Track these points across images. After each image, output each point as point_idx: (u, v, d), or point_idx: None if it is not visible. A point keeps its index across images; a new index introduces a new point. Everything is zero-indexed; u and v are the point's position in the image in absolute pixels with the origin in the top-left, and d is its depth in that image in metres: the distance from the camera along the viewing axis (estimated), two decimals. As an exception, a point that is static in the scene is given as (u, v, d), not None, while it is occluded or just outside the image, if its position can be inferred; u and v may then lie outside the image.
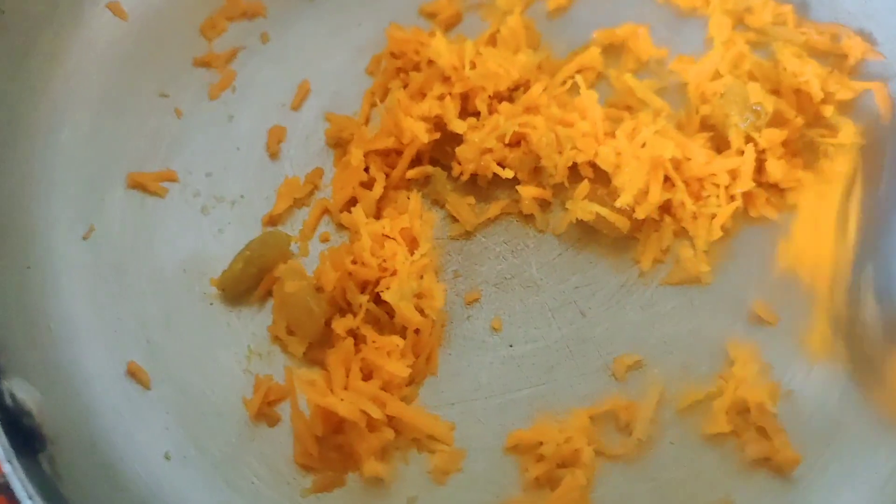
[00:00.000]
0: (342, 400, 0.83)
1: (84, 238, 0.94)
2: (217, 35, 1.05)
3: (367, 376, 0.86)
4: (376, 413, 0.83)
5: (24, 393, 0.75)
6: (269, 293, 0.93)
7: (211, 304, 0.93)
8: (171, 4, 1.04)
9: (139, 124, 1.00)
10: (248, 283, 0.92)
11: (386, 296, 0.86)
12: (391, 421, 0.86)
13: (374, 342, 0.87)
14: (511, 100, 0.98)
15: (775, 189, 0.94)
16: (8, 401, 0.74)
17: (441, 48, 0.96)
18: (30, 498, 0.71)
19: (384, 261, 0.89)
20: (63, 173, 0.95)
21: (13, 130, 0.93)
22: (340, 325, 0.88)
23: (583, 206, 0.91)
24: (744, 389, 0.86)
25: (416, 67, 1.01)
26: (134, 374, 0.89)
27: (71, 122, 0.97)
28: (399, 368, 0.86)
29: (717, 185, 0.91)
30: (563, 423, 0.86)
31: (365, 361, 0.86)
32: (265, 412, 0.88)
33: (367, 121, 1.01)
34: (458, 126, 0.94)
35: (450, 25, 1.05)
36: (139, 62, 1.02)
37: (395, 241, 0.89)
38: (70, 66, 0.98)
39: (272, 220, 0.96)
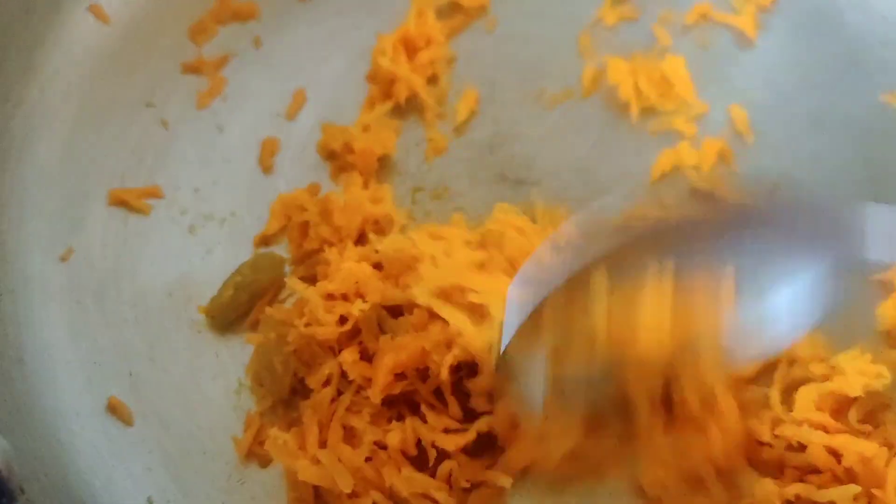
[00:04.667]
0: (318, 462, 0.77)
1: (62, 260, 0.89)
2: (207, 39, 0.99)
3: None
4: (345, 486, 0.75)
5: (-11, 442, 0.69)
6: (261, 321, 0.87)
7: (199, 332, 0.87)
8: (157, 7, 0.99)
9: (122, 136, 0.95)
10: (238, 311, 0.87)
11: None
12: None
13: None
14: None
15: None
16: (-30, 453, 0.68)
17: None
18: (-2, 559, 0.66)
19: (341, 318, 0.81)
20: (39, 189, 0.91)
21: (-16, 144, 0.88)
22: (314, 380, 0.80)
23: None
24: None
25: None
26: (115, 409, 0.84)
27: (47, 134, 0.93)
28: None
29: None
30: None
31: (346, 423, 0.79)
32: (256, 452, 0.82)
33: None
34: None
35: (453, 32, 0.99)
36: (122, 69, 0.97)
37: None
38: (47, 73, 0.94)
39: (265, 241, 0.91)
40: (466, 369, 0.79)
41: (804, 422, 0.78)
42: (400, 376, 0.78)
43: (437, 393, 0.80)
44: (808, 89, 0.96)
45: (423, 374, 0.79)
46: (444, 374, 0.76)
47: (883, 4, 0.98)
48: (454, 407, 0.79)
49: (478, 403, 0.79)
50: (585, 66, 0.97)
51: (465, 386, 0.79)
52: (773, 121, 0.94)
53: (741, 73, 0.97)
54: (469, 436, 0.78)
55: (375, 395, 0.77)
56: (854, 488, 0.75)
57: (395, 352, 0.77)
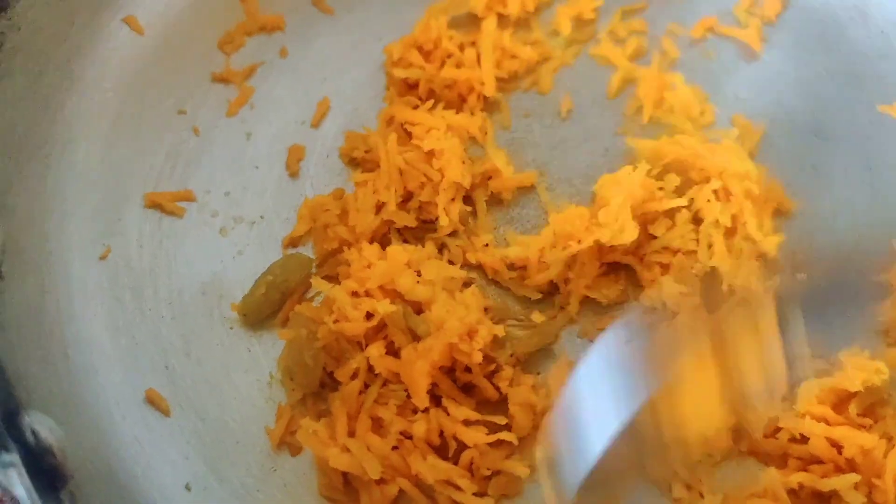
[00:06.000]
0: (347, 451, 0.80)
1: (101, 259, 0.92)
2: (235, 50, 1.02)
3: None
4: (374, 472, 0.79)
5: (45, 429, 0.73)
6: (291, 319, 0.90)
7: (231, 328, 0.90)
8: (188, 19, 1.02)
9: (156, 142, 0.97)
10: (270, 309, 0.90)
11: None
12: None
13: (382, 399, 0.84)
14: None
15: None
16: (30, 439, 0.71)
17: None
18: (51, 539, 0.69)
19: (367, 314, 0.84)
20: (78, 192, 0.93)
21: (27, 149, 0.91)
22: (342, 373, 0.84)
23: None
24: None
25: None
26: (153, 401, 0.87)
27: (86, 140, 0.95)
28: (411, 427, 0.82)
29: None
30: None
31: (373, 413, 0.83)
32: (288, 441, 0.85)
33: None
34: None
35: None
36: (156, 78, 0.99)
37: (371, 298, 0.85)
38: (85, 82, 0.96)
39: (293, 242, 0.94)
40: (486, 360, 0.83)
41: (806, 414, 0.82)
42: None
43: (459, 388, 0.84)
44: (811, 101, 0.99)
45: (447, 369, 0.83)
46: (479, 357, 0.81)
47: (883, 20, 1.02)
48: (489, 390, 0.83)
49: (503, 385, 0.83)
50: (615, 72, 1.01)
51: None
52: (777, 129, 0.98)
53: (746, 85, 1.01)
54: (489, 437, 0.82)
55: (421, 402, 0.81)
56: (854, 477, 0.79)
57: (426, 357, 0.81)
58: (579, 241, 0.87)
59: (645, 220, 0.89)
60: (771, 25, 1.03)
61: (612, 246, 0.87)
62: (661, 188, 0.89)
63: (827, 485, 0.80)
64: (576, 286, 0.89)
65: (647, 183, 0.89)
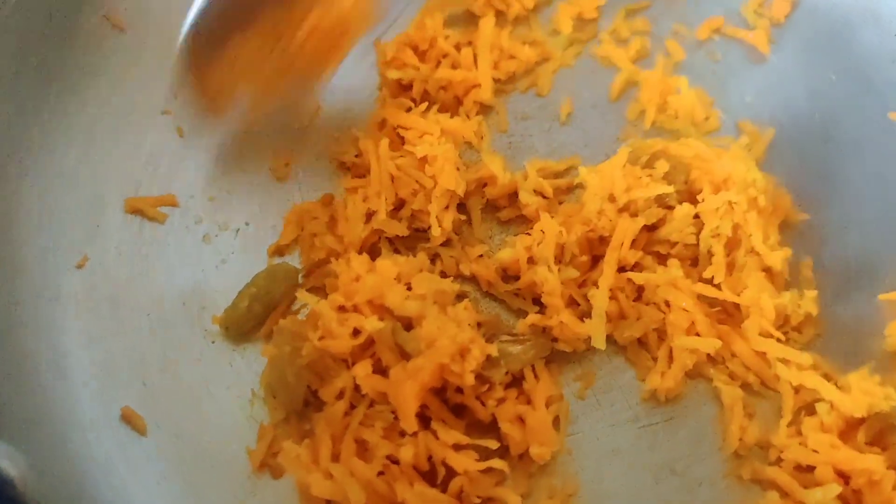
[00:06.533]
0: (330, 476, 0.77)
1: (77, 267, 0.89)
2: (221, 47, 0.98)
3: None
4: (357, 501, 0.75)
5: (5, 459, 0.69)
6: (275, 332, 0.87)
7: (212, 342, 0.88)
8: (172, 15, 0.97)
9: (137, 144, 0.94)
10: (253, 322, 0.87)
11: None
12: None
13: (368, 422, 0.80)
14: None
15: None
16: (-12, 472, 0.68)
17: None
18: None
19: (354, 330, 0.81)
20: (56, 197, 0.90)
21: (2, 152, 0.87)
22: (327, 393, 0.81)
23: None
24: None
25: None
26: (129, 419, 0.83)
27: (64, 143, 0.92)
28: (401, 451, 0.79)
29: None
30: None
31: (358, 436, 0.80)
32: (269, 463, 0.82)
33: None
34: None
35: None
36: (138, 77, 0.96)
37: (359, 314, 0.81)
38: (63, 81, 0.92)
39: (279, 251, 0.91)
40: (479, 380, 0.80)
41: (812, 443, 0.79)
42: None
43: (450, 409, 0.81)
44: (820, 106, 0.96)
45: (437, 389, 0.79)
46: (471, 379, 0.77)
47: (896, 23, 0.98)
48: (481, 411, 0.80)
49: (490, 404, 0.80)
50: (617, 75, 0.98)
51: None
52: (784, 136, 0.95)
53: (753, 88, 0.98)
54: (479, 464, 0.78)
55: (410, 425, 0.77)
56: (836, 488, 0.76)
57: (415, 377, 0.77)
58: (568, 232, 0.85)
59: (634, 210, 0.86)
60: (779, 27, 1.00)
61: (601, 237, 0.85)
62: (649, 175, 0.86)
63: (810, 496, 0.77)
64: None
65: (629, 171, 0.86)
